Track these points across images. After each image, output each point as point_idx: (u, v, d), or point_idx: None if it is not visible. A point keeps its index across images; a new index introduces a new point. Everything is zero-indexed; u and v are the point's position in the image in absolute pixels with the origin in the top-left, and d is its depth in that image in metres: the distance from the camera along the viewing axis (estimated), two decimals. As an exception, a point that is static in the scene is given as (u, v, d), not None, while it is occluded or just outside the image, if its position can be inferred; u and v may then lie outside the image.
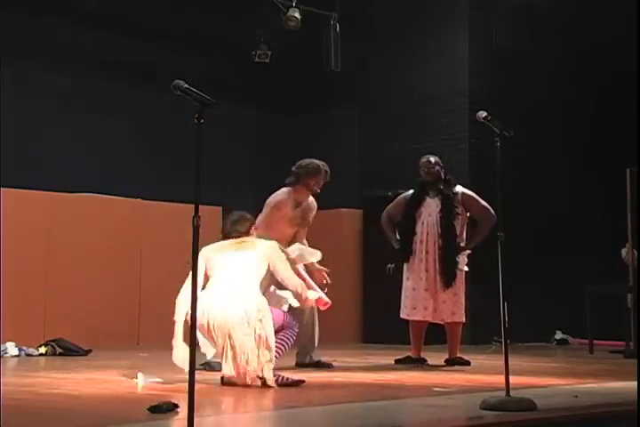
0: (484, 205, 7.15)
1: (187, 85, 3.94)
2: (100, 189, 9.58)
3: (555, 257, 10.90)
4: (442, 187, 7.27)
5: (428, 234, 7.20)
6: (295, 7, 9.82)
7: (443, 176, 7.31)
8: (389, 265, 9.82)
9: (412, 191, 7.45)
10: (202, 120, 3.75)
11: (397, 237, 7.39)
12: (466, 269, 7.22)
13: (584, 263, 10.55)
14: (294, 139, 11.58)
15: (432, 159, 7.34)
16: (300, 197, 6.82)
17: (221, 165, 10.24)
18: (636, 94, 9.06)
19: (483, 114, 4.77)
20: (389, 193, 10.58)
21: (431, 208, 7.25)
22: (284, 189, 6.84)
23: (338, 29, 10.16)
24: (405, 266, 7.29)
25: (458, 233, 7.19)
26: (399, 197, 7.53)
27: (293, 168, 6.84)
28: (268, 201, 6.78)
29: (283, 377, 5.36)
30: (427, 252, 7.18)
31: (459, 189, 7.30)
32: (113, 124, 10.32)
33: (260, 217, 6.56)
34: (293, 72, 11.59)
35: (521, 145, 7.97)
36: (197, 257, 3.67)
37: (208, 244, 5.71)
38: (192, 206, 3.72)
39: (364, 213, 10.94)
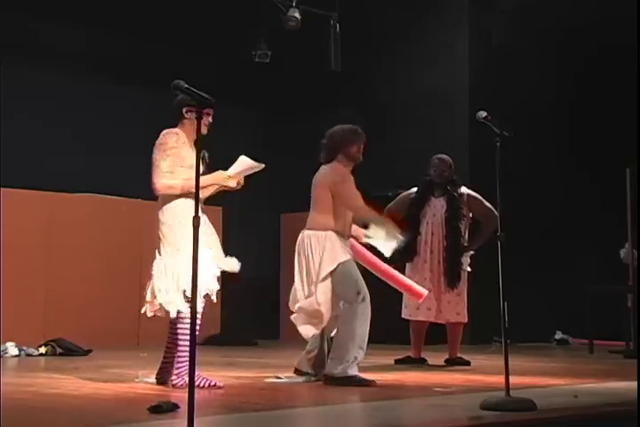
0: (488, 207, 7.13)
1: (187, 85, 3.96)
2: (100, 189, 9.59)
3: (555, 257, 10.89)
4: (448, 187, 7.24)
5: (432, 234, 7.17)
6: (295, 7, 9.82)
7: (451, 177, 7.28)
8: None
9: (415, 189, 7.41)
10: (202, 120, 3.76)
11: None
12: (468, 269, 7.22)
13: (584, 263, 10.54)
14: (294, 139, 11.58)
15: (447, 162, 7.27)
16: (349, 171, 5.91)
17: (221, 165, 10.24)
18: (637, 94, 9.06)
19: (483, 114, 4.77)
20: (389, 193, 10.59)
21: (436, 208, 7.22)
22: (330, 166, 5.84)
23: (338, 29, 10.15)
24: (408, 266, 7.25)
25: (462, 234, 7.18)
26: (402, 195, 7.48)
27: (324, 140, 5.87)
28: (321, 181, 5.77)
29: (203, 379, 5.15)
30: (431, 252, 7.15)
31: (464, 189, 7.28)
32: (113, 123, 10.32)
33: (321, 203, 5.75)
34: (293, 72, 11.59)
35: (521, 144, 7.96)
36: (197, 257, 3.66)
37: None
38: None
39: (364, 213, 10.92)
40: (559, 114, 11.28)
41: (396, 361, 7.23)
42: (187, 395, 3.40)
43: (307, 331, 5.64)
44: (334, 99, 11.68)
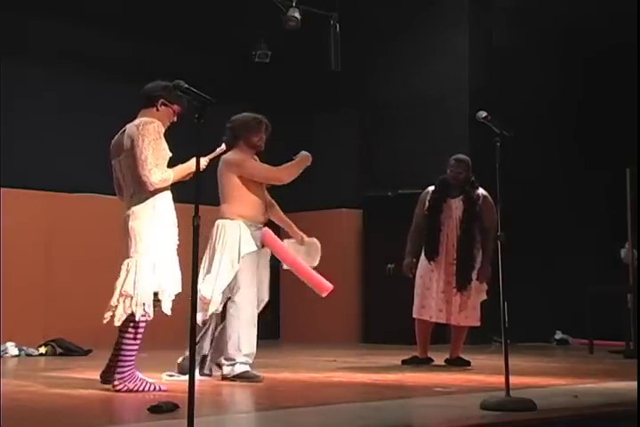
0: (495, 219, 7.01)
1: (187, 85, 3.97)
2: (100, 189, 9.57)
3: (555, 257, 10.89)
4: (467, 188, 7.13)
5: (447, 236, 7.09)
6: (295, 7, 9.81)
7: (468, 177, 7.15)
8: (389, 265, 9.80)
9: (431, 188, 7.27)
10: (202, 120, 3.76)
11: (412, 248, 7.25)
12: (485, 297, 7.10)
13: (584, 263, 10.55)
14: (294, 139, 11.59)
15: (464, 163, 7.13)
16: (250, 157, 6.01)
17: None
18: (637, 94, 9.06)
19: (483, 114, 4.77)
20: (389, 193, 10.60)
21: (451, 210, 7.12)
22: (227, 154, 5.88)
23: (338, 29, 10.15)
24: (420, 264, 7.17)
25: (476, 238, 7.06)
26: (421, 196, 7.32)
27: (228, 125, 6.02)
28: (222, 171, 5.87)
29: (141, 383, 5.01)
30: (446, 253, 7.07)
31: (481, 191, 7.14)
32: (113, 124, 10.28)
33: (227, 189, 5.84)
34: (293, 72, 11.59)
35: (521, 144, 7.97)
36: (197, 257, 3.66)
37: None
38: (192, 206, 3.72)
39: (364, 213, 10.94)
40: (559, 114, 11.28)
41: (403, 362, 7.17)
42: (187, 395, 3.40)
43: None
44: (335, 99, 11.68)
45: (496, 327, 4.71)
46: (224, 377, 5.59)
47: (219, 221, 5.79)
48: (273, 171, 5.93)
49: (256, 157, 6.05)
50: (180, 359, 5.63)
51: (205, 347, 5.72)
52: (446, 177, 7.19)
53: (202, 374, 5.64)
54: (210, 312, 5.65)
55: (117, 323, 4.97)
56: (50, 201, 9.29)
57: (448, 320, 7.11)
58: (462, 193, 7.14)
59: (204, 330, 5.75)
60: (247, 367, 5.63)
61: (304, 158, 6.01)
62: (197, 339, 5.67)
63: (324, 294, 5.93)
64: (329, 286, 5.88)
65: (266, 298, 5.89)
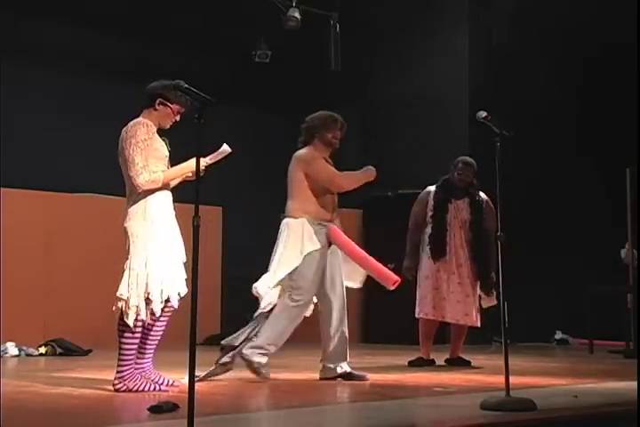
0: (496, 223, 6.97)
1: (187, 85, 3.98)
2: (100, 189, 9.58)
3: (555, 257, 10.89)
4: (471, 190, 7.14)
5: (454, 237, 7.10)
6: (295, 7, 9.82)
7: (473, 180, 7.18)
8: (389, 265, 9.78)
9: (431, 188, 7.28)
10: (202, 120, 3.76)
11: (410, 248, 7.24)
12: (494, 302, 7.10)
13: (584, 263, 10.55)
14: (294, 139, 11.56)
15: (473, 167, 7.14)
16: (324, 155, 5.99)
17: (221, 165, 10.23)
18: (637, 94, 9.06)
19: (483, 114, 4.77)
20: (389, 193, 10.60)
21: (457, 210, 7.12)
22: (300, 151, 5.98)
23: (338, 29, 10.16)
24: (424, 265, 7.16)
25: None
26: (421, 196, 7.31)
27: (303, 125, 6.04)
28: (291, 167, 5.93)
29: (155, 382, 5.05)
30: (454, 254, 7.08)
31: (482, 195, 7.18)
32: (113, 124, 10.28)
33: (294, 185, 5.91)
34: (293, 72, 11.59)
35: (521, 144, 7.95)
36: (197, 257, 3.66)
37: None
38: (192, 206, 3.72)
39: (364, 213, 10.93)
40: (560, 113, 11.28)
41: (410, 363, 7.12)
42: (187, 395, 3.40)
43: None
44: (334, 99, 11.65)
45: (496, 327, 4.72)
46: (241, 356, 5.59)
47: (284, 220, 5.85)
48: (336, 176, 5.88)
49: (329, 160, 6.00)
50: (224, 341, 5.74)
51: (240, 339, 5.71)
52: (451, 179, 7.18)
53: (218, 360, 5.65)
54: (264, 306, 5.68)
55: (130, 322, 4.93)
56: (50, 201, 9.28)
57: (465, 321, 7.10)
58: (467, 195, 7.15)
59: (249, 327, 5.76)
60: (265, 359, 5.65)
61: (370, 173, 5.92)
62: (236, 333, 5.77)
63: (391, 287, 5.89)
64: (396, 278, 5.88)
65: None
